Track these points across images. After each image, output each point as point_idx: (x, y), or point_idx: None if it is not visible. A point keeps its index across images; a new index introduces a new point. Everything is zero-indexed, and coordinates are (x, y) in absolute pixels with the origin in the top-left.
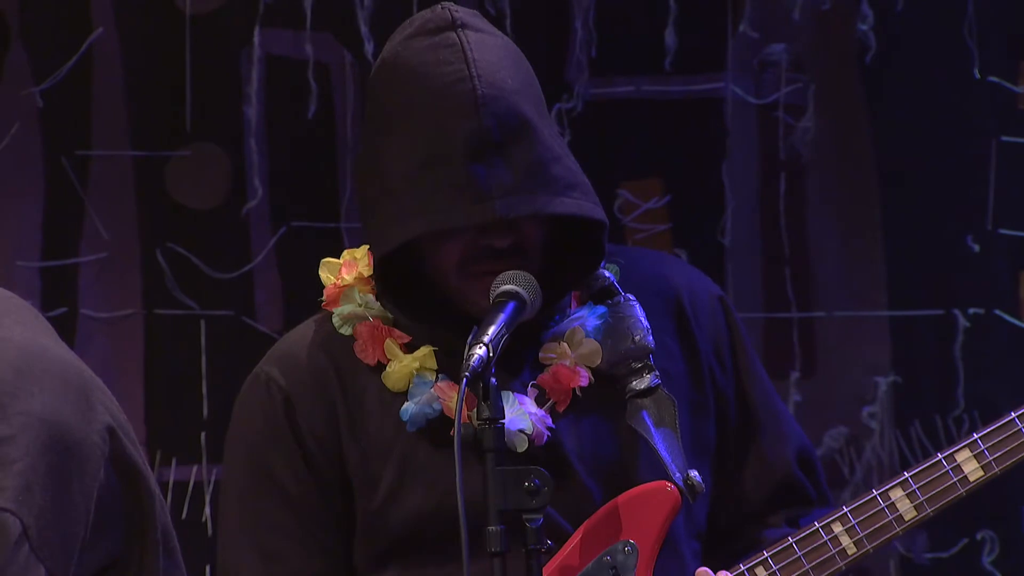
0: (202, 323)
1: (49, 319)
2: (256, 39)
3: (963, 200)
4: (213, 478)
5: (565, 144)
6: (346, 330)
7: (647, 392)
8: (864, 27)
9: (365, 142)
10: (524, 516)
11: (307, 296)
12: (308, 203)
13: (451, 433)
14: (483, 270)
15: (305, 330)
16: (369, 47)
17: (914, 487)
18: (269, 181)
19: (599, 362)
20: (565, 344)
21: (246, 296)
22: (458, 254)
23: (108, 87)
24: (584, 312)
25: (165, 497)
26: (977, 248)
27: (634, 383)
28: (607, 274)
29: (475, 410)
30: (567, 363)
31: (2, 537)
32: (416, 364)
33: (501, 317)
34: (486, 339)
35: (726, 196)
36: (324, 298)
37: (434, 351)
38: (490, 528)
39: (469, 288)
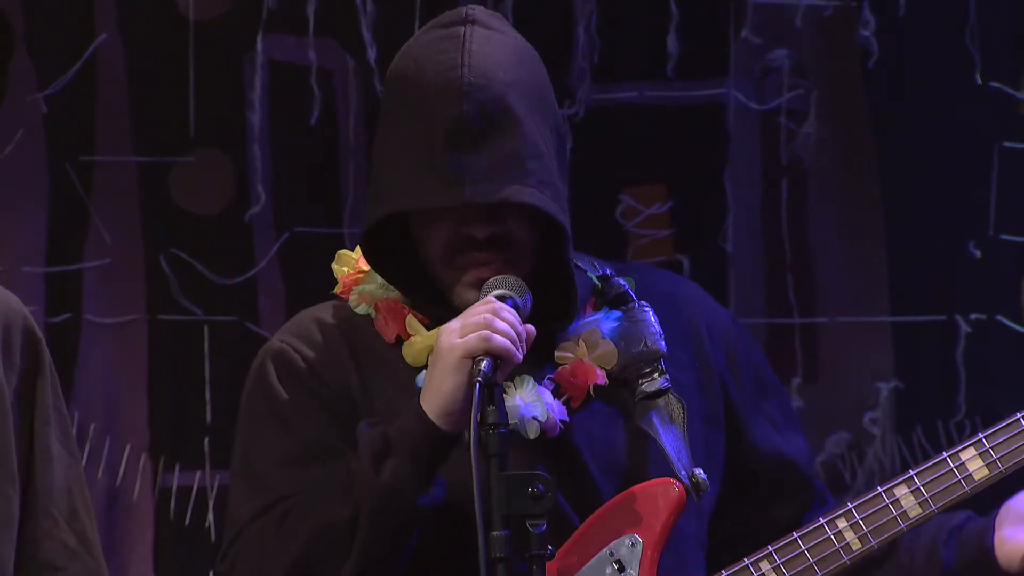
0: (205, 329)
1: (53, 324)
2: (259, 45)
3: (965, 205)
4: (216, 484)
5: (557, 148)
6: (363, 309)
7: (657, 394)
8: (866, 32)
9: (377, 130)
10: (528, 522)
11: (310, 302)
12: (311, 209)
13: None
14: (464, 261)
15: (317, 310)
16: (372, 53)
17: (919, 484)
18: (272, 187)
19: (614, 363)
20: (582, 343)
21: (249, 302)
22: (442, 242)
23: (112, 93)
24: (600, 316)
25: (168, 503)
26: (979, 254)
27: (644, 385)
28: (622, 282)
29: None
30: (585, 361)
31: None
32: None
33: None
34: None
35: (728, 201)
36: (340, 285)
37: None
38: (494, 533)
39: (452, 278)
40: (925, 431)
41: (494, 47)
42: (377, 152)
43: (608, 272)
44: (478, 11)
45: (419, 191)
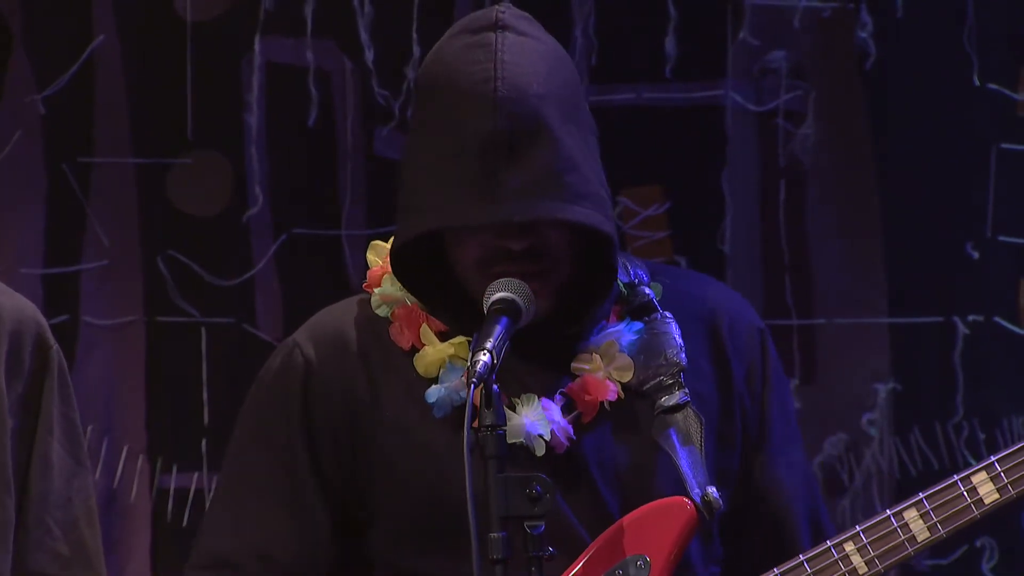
0: (203, 330)
1: (51, 326)
2: (257, 46)
3: (963, 207)
4: (214, 485)
5: (594, 156)
6: (383, 311)
7: (676, 408)
8: (864, 34)
9: (407, 135)
10: (526, 523)
11: (307, 303)
12: (309, 210)
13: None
14: (500, 271)
15: (344, 307)
16: (369, 54)
17: (928, 508)
18: (270, 188)
19: (631, 377)
20: (598, 356)
21: (247, 303)
22: (476, 253)
23: (110, 94)
24: (621, 327)
25: (166, 504)
26: (977, 255)
27: (663, 399)
28: (648, 291)
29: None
30: (599, 375)
31: None
32: (451, 350)
33: (499, 326)
34: (489, 346)
35: (726, 203)
36: (367, 279)
37: (469, 342)
38: (491, 535)
39: (486, 287)
40: (923, 432)
41: (527, 56)
42: (408, 160)
43: (639, 275)
44: (508, 14)
45: (456, 208)
